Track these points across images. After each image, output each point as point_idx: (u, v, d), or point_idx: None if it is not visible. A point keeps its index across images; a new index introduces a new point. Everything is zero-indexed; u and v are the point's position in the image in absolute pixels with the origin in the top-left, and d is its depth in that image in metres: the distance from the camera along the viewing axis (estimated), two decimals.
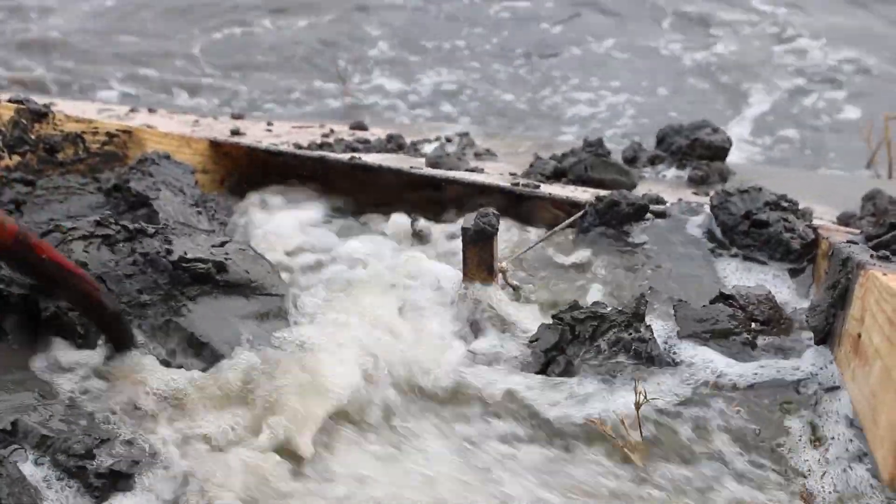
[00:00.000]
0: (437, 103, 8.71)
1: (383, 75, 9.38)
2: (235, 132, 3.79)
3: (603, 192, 2.89)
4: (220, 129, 4.01)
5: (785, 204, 2.66)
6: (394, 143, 4.05)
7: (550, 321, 2.09)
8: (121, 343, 1.84)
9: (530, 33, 10.55)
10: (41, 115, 2.80)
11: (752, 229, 2.58)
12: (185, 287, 1.95)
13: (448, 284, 2.34)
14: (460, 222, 2.38)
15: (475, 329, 2.18)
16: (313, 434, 1.68)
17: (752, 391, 1.88)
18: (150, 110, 4.92)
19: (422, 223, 2.84)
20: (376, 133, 4.39)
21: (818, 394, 1.83)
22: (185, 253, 1.98)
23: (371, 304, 2.21)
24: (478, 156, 4.01)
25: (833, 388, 1.81)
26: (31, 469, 1.50)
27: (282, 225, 2.93)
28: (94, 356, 1.84)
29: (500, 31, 10.64)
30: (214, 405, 1.74)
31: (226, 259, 2.06)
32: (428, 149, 4.00)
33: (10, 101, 2.85)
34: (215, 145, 3.51)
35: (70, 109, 3.55)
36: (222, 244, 2.18)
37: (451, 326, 2.18)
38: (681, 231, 2.71)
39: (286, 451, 1.64)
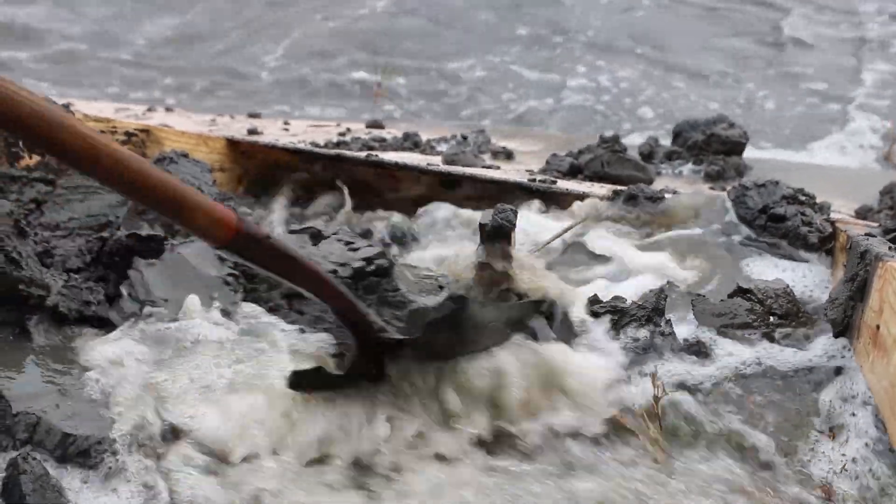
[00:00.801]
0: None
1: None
2: (252, 131, 3.81)
3: (620, 188, 2.89)
4: (237, 128, 4.03)
5: (802, 198, 2.65)
6: (410, 142, 4.06)
7: None
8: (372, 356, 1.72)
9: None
10: None
11: (770, 223, 2.57)
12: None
13: None
14: (478, 218, 2.38)
15: None
16: None
17: (772, 384, 1.88)
18: (168, 109, 4.95)
19: None
20: (392, 132, 4.41)
21: (837, 386, 1.83)
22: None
23: None
24: (494, 154, 4.01)
25: (852, 381, 1.81)
26: (54, 466, 1.51)
27: None
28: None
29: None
30: None
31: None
32: (444, 147, 4.00)
33: None
34: (232, 143, 3.54)
35: (88, 109, 3.59)
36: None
37: None
38: (699, 225, 2.71)
39: None
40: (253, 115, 4.93)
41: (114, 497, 1.49)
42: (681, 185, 3.40)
